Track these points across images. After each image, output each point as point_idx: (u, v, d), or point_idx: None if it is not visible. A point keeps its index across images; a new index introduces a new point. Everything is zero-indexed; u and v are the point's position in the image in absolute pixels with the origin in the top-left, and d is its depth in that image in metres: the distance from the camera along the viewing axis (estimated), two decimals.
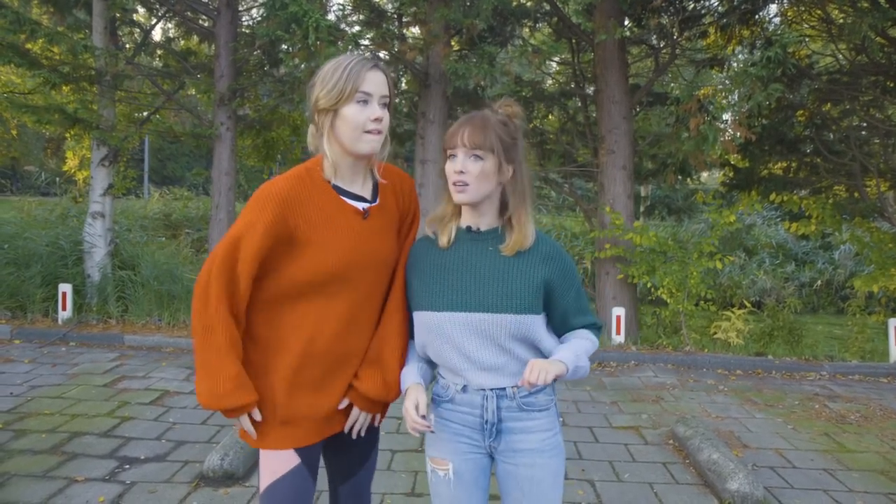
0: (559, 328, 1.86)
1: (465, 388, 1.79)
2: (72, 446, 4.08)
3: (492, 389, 1.77)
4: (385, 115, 1.74)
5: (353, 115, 1.69)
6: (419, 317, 1.82)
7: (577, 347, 1.77)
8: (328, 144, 1.75)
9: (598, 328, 1.89)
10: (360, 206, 1.81)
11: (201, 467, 3.77)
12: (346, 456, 1.96)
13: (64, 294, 7.28)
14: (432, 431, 1.75)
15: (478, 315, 1.73)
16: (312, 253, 1.71)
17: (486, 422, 1.78)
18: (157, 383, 5.51)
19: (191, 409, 4.91)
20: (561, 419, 4.94)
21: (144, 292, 7.42)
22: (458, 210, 1.84)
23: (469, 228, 1.83)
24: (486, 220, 1.82)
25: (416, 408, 1.69)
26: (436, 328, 1.77)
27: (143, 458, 3.96)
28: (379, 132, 1.72)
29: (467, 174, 1.72)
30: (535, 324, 1.76)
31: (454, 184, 1.74)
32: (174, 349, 6.73)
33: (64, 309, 7.28)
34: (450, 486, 1.81)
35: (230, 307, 1.66)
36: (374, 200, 1.85)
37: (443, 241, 1.82)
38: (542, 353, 1.80)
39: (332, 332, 1.76)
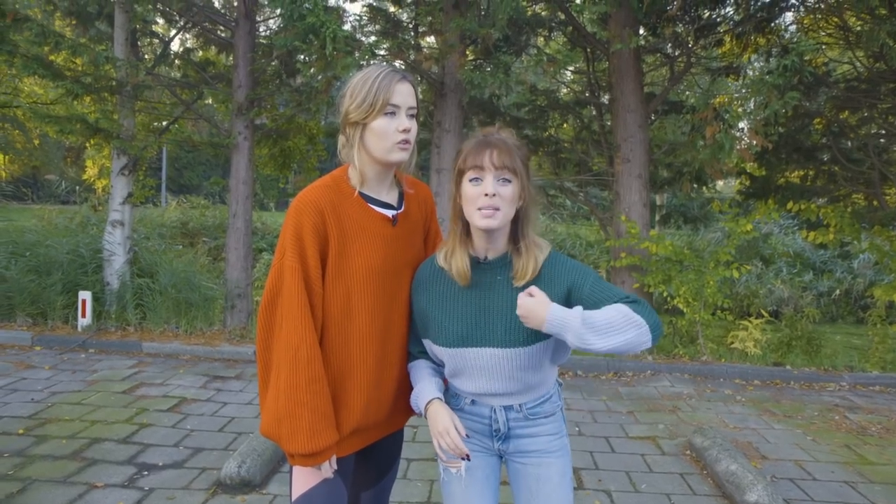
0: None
1: (474, 402, 1.83)
2: (91, 452, 4.12)
3: (500, 406, 1.81)
4: (413, 125, 1.76)
5: (382, 128, 1.72)
6: (428, 344, 1.83)
7: (599, 317, 1.57)
8: (357, 155, 1.78)
9: (633, 302, 1.62)
10: (389, 213, 1.83)
11: (218, 474, 3.80)
12: (373, 462, 1.98)
13: (84, 301, 7.37)
14: (469, 460, 1.74)
15: (488, 350, 1.71)
16: (349, 262, 1.74)
17: (496, 431, 1.83)
18: (174, 390, 5.56)
19: (208, 416, 4.95)
20: (576, 427, 4.92)
21: (162, 300, 7.49)
22: (463, 239, 1.76)
23: (477, 260, 1.76)
24: (495, 248, 1.74)
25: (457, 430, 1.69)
26: (447, 359, 1.79)
27: (161, 464, 4.00)
28: (407, 142, 1.75)
29: (499, 198, 1.63)
30: (546, 347, 1.73)
31: (481, 209, 1.63)
32: (191, 357, 6.79)
33: (84, 316, 7.37)
34: (462, 484, 1.82)
35: (314, 322, 1.68)
36: (399, 207, 1.88)
37: (461, 280, 1.74)
38: (547, 379, 1.83)
39: (377, 337, 1.79)
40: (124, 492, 3.60)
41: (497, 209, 1.63)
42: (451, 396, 1.89)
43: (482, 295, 1.73)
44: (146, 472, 3.87)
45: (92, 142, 8.39)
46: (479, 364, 1.73)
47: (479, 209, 1.64)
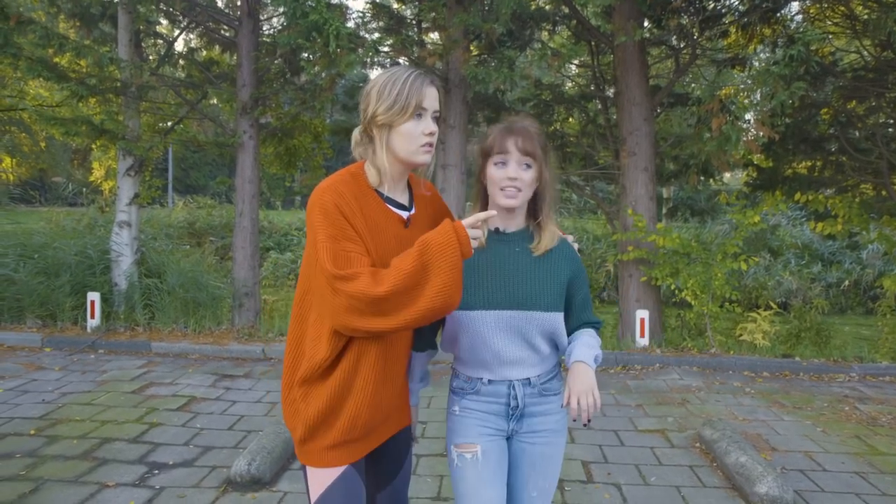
0: (569, 321, 1.96)
1: (490, 381, 1.90)
2: (102, 452, 4.15)
3: (517, 380, 1.89)
4: (436, 129, 1.79)
5: (409, 130, 1.73)
6: (451, 315, 1.89)
7: (588, 342, 1.88)
8: (383, 155, 1.77)
9: (599, 327, 2.01)
10: (404, 214, 1.84)
11: (228, 472, 3.81)
12: (383, 463, 1.96)
13: (92, 302, 7.42)
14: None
15: (509, 312, 1.84)
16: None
17: (513, 408, 1.90)
18: (183, 389, 5.58)
19: (217, 414, 4.97)
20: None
21: (170, 300, 7.52)
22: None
23: (497, 230, 1.92)
24: (514, 223, 1.92)
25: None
26: (468, 326, 1.85)
27: (171, 463, 4.02)
28: (432, 145, 1.78)
29: (520, 181, 1.81)
30: (559, 321, 1.88)
31: (503, 189, 1.82)
32: (200, 356, 6.81)
33: (92, 317, 7.41)
34: (477, 466, 1.87)
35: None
36: (411, 208, 1.89)
37: (480, 244, 1.87)
38: (558, 348, 1.94)
39: (384, 339, 1.77)
40: (135, 491, 3.62)
41: (519, 190, 1.83)
42: (464, 382, 1.94)
43: (503, 262, 1.88)
44: (157, 471, 3.89)
45: (98, 143, 8.43)
46: (497, 326, 1.84)
47: (503, 189, 1.83)
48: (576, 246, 2.02)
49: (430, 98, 1.75)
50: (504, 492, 1.89)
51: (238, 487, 3.68)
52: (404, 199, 1.87)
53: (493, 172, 1.84)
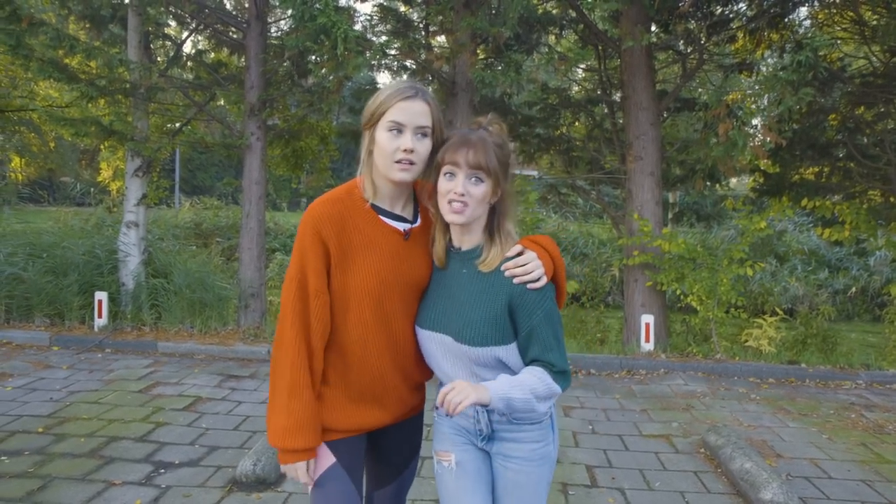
0: (524, 355, 1.76)
1: None
2: (109, 450, 4.17)
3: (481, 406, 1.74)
4: (420, 145, 1.72)
5: (384, 143, 1.70)
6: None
7: (520, 381, 1.65)
8: (370, 166, 1.78)
9: (558, 372, 1.70)
10: (402, 226, 1.81)
11: (234, 472, 3.83)
12: (385, 461, 1.99)
13: (100, 302, 7.46)
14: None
15: (448, 338, 1.77)
16: (354, 274, 1.74)
17: (479, 431, 1.84)
18: (189, 389, 5.61)
19: (223, 414, 4.99)
20: (589, 426, 4.91)
21: (177, 300, 7.55)
22: (443, 227, 1.84)
23: (450, 248, 1.85)
24: (469, 239, 1.81)
25: None
26: (421, 342, 1.85)
27: (177, 462, 4.04)
28: (410, 163, 1.71)
29: (468, 196, 1.70)
30: (498, 354, 1.73)
31: (451, 202, 1.71)
32: (206, 356, 6.84)
33: (100, 316, 7.45)
34: (453, 476, 1.84)
35: (308, 348, 1.73)
36: (415, 221, 1.85)
37: (439, 263, 1.84)
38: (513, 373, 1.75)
39: (379, 348, 1.80)
40: (141, 489, 3.64)
41: (466, 205, 1.70)
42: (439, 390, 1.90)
43: (450, 283, 1.81)
44: (163, 470, 3.91)
45: (106, 144, 8.48)
46: (442, 350, 1.79)
47: (449, 203, 1.71)
48: (525, 255, 1.75)
49: (407, 113, 1.69)
50: (488, 501, 1.83)
51: (243, 487, 3.70)
52: (407, 212, 1.84)
53: (442, 184, 1.74)
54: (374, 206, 1.78)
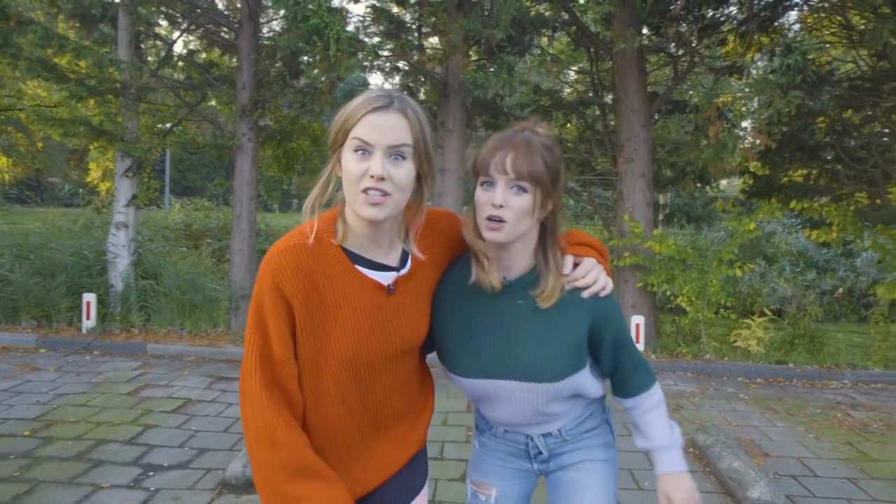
0: (602, 364, 1.61)
1: (506, 431, 1.69)
2: (97, 453, 4.15)
3: (536, 434, 1.66)
4: (397, 170, 1.30)
5: (349, 167, 1.30)
6: (448, 373, 1.62)
7: (659, 424, 1.67)
8: (342, 199, 1.38)
9: (645, 371, 1.64)
10: (384, 278, 1.42)
11: (224, 474, 3.81)
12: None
13: (88, 303, 7.41)
14: None
15: (510, 383, 1.51)
16: (326, 341, 1.37)
17: (534, 455, 1.69)
18: (179, 392, 5.58)
19: (213, 417, 4.97)
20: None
21: (167, 301, 7.52)
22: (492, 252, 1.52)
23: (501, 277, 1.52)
24: (517, 264, 1.51)
25: None
26: (468, 389, 1.59)
27: (166, 465, 4.02)
28: (383, 193, 1.28)
29: (507, 209, 1.40)
30: (577, 382, 1.55)
31: (489, 218, 1.41)
32: (196, 358, 6.81)
33: (88, 318, 7.40)
34: None
35: (280, 399, 1.36)
36: (403, 266, 1.46)
37: (488, 284, 1.50)
38: (585, 398, 1.65)
39: (358, 423, 1.47)
40: (130, 492, 3.62)
41: (504, 221, 1.40)
42: (482, 421, 1.73)
43: (501, 321, 1.51)
44: (152, 473, 3.89)
45: (96, 144, 8.44)
46: (502, 395, 1.54)
47: (488, 218, 1.42)
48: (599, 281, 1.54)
49: (376, 129, 1.28)
50: None
51: (233, 490, 3.68)
52: (392, 257, 1.44)
53: (478, 196, 1.43)
54: (346, 252, 1.39)
